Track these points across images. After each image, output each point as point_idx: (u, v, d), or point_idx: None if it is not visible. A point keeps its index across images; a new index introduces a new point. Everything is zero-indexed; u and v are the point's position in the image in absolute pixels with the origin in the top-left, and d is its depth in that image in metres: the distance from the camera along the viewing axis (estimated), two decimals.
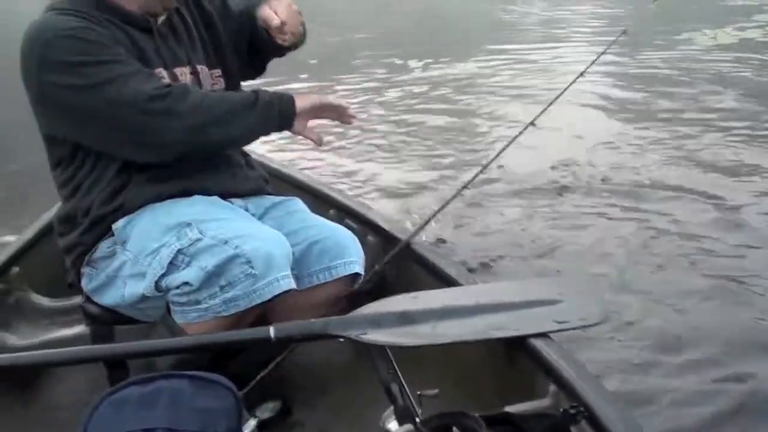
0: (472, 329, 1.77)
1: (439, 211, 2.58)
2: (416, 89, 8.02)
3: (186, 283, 1.86)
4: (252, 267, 1.83)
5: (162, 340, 1.85)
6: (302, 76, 8.57)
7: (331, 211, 2.73)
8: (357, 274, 2.17)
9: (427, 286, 2.15)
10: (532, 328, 1.78)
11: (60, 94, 1.93)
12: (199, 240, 1.88)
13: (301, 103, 2.07)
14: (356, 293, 2.17)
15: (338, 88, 8.49)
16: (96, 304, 2.12)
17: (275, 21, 2.10)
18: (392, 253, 2.32)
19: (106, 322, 2.14)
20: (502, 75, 8.31)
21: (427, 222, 2.49)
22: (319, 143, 2.17)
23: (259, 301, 1.85)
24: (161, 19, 2.16)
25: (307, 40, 2.29)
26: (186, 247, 1.89)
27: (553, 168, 4.93)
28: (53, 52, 1.91)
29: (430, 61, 9.52)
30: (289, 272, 1.89)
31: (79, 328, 2.38)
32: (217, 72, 2.26)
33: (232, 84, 2.31)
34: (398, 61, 9.65)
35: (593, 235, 3.88)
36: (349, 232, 2.23)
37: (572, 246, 3.74)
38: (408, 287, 2.16)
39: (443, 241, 3.73)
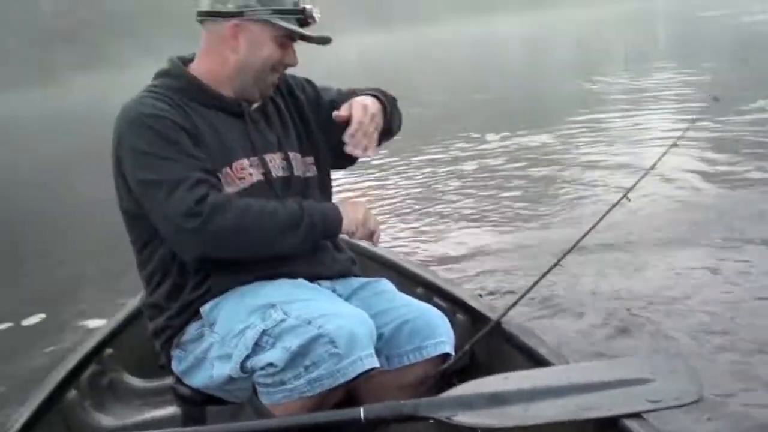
0: (564, 410, 1.74)
1: (530, 289, 2.56)
2: (502, 160, 8.06)
3: (271, 364, 1.88)
4: (335, 346, 1.83)
5: (252, 422, 1.87)
6: (382, 152, 8.65)
7: (419, 290, 2.73)
8: (447, 354, 2.15)
9: (517, 366, 2.13)
10: (625, 408, 1.73)
11: (127, 175, 2.08)
12: (283, 321, 1.90)
13: (348, 225, 2.14)
14: (445, 373, 2.14)
15: (419, 158, 8.60)
16: (186, 385, 2.15)
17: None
18: (482, 332, 2.31)
19: (197, 402, 2.17)
20: (591, 146, 8.23)
21: (517, 301, 2.47)
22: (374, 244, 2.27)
23: (343, 380, 1.84)
24: (255, 105, 2.24)
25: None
26: (271, 328, 1.91)
27: (649, 240, 4.81)
28: (130, 135, 2.05)
29: (516, 131, 9.54)
30: (372, 351, 1.89)
31: (171, 409, 2.42)
32: (310, 159, 2.31)
33: (324, 171, 2.36)
34: (480, 134, 9.73)
35: (690, 310, 3.72)
36: (439, 312, 2.21)
37: (667, 323, 3.60)
38: (498, 367, 2.15)
39: (534, 320, 3.67)
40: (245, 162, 2.15)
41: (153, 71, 2.23)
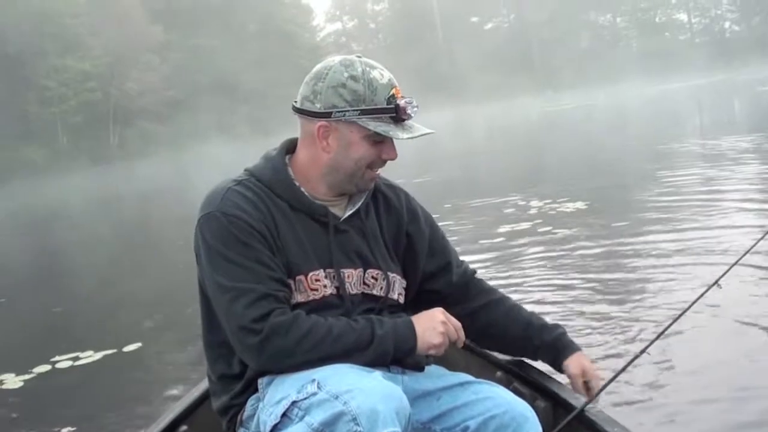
0: None
1: (616, 376, 2.47)
2: (591, 238, 7.92)
3: None
4: (358, 425, 1.77)
5: None
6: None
7: (499, 374, 2.66)
8: None
9: None
10: None
11: (200, 265, 2.13)
12: (315, 394, 1.87)
13: (422, 344, 2.11)
14: None
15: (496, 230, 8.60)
16: None
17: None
18: (565, 421, 2.23)
19: None
20: (681, 231, 7.98)
21: (603, 388, 2.39)
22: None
23: None
24: (347, 213, 2.23)
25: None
26: (301, 400, 1.88)
27: (744, 328, 4.62)
28: (207, 231, 2.09)
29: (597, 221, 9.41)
30: (397, 428, 1.81)
31: None
32: (397, 282, 2.29)
33: (406, 297, 2.34)
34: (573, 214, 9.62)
35: None
36: (527, 406, 2.13)
37: (757, 414, 3.46)
38: None
39: (621, 408, 3.55)
40: (320, 273, 2.14)
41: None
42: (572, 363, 2.42)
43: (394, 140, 2.16)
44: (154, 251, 12.67)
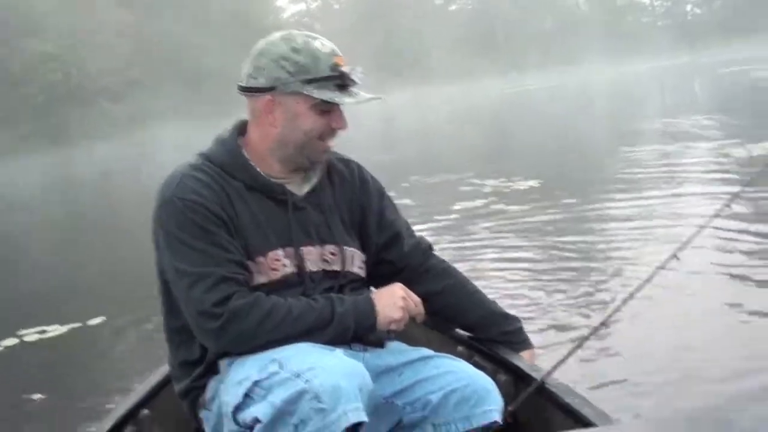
0: None
1: (575, 348, 2.50)
2: (541, 221, 7.97)
3: (257, 420, 1.84)
4: (320, 402, 1.78)
5: None
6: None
7: (460, 348, 2.67)
8: (495, 422, 2.10)
9: (560, 427, 2.09)
10: None
11: (158, 250, 2.12)
12: (276, 373, 1.87)
13: (383, 319, 2.12)
14: None
15: (456, 208, 8.68)
16: None
17: None
18: (525, 393, 2.26)
19: None
20: (639, 207, 8.07)
21: (562, 360, 2.42)
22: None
23: None
24: (305, 191, 2.23)
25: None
26: (263, 380, 1.88)
27: (700, 299, 4.73)
28: (164, 213, 2.09)
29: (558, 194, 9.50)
30: (359, 404, 1.82)
31: None
32: (355, 256, 2.30)
33: (365, 272, 2.35)
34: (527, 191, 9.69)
35: (734, 372, 3.62)
36: (488, 378, 2.16)
37: (713, 385, 3.52)
38: (541, 428, 2.11)
39: (579, 379, 3.59)
40: (280, 253, 2.14)
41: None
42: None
43: (342, 108, 2.16)
44: (115, 230, 12.69)
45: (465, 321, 2.53)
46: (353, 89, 2.14)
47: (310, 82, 2.09)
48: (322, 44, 2.13)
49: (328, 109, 2.13)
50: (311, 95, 2.10)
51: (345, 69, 2.11)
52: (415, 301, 2.18)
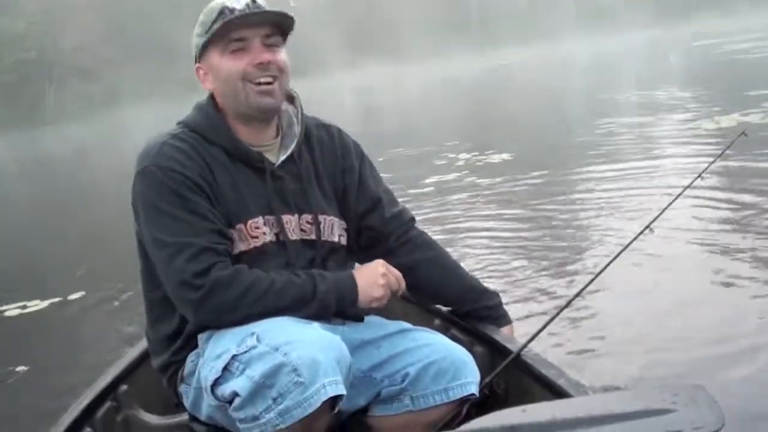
0: None
1: (550, 321, 2.51)
2: (515, 193, 8.02)
3: (236, 393, 1.84)
4: (299, 375, 1.78)
5: None
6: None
7: (437, 321, 2.69)
8: (473, 394, 2.12)
9: (537, 398, 2.10)
10: None
11: (138, 220, 2.11)
12: (254, 347, 1.86)
13: (364, 297, 2.12)
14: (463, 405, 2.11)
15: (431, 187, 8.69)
16: (201, 422, 2.13)
17: None
18: (501, 366, 2.27)
19: None
20: (614, 180, 8.10)
21: (538, 333, 2.43)
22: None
23: (311, 409, 1.78)
24: (281, 158, 2.22)
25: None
26: (242, 354, 1.87)
27: (674, 272, 4.73)
28: (143, 182, 2.07)
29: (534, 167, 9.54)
30: (338, 377, 1.82)
31: None
32: (336, 224, 2.30)
33: (347, 240, 2.35)
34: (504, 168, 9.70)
35: (709, 341, 3.65)
36: (465, 351, 2.17)
37: (691, 353, 3.55)
38: (517, 399, 2.11)
39: (555, 350, 3.62)
40: (260, 221, 2.13)
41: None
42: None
43: (259, 42, 2.12)
44: (92, 206, 12.68)
45: (444, 295, 2.54)
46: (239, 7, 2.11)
47: (205, 33, 2.13)
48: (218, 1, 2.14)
49: (239, 47, 2.11)
50: (208, 37, 2.11)
51: (228, 3, 2.10)
52: (396, 276, 2.18)
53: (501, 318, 2.54)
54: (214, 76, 2.15)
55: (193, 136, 2.14)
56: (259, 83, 2.12)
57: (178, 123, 2.20)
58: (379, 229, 2.39)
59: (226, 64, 2.12)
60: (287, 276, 2.05)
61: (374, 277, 2.14)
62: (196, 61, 2.18)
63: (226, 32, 2.09)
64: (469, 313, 2.53)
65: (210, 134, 2.15)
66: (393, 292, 2.19)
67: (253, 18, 2.09)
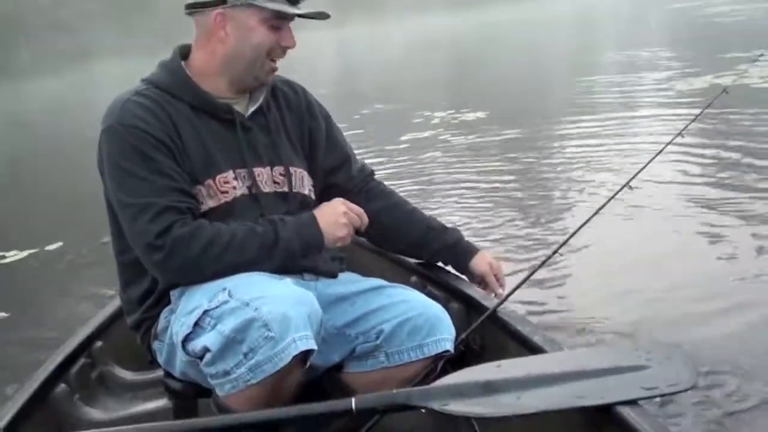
0: (557, 398, 1.71)
1: (527, 278, 2.53)
2: (490, 151, 8.02)
3: (206, 349, 1.84)
4: (269, 330, 1.78)
5: (240, 414, 1.81)
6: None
7: (413, 278, 2.69)
8: (448, 351, 2.12)
9: (512, 354, 2.11)
10: (619, 395, 1.71)
11: (104, 180, 2.09)
12: (226, 302, 1.86)
13: (329, 237, 2.10)
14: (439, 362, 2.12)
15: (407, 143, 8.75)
16: (175, 378, 2.12)
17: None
18: (477, 322, 2.28)
19: (188, 395, 2.14)
20: (594, 137, 8.06)
21: (514, 290, 2.45)
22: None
23: (282, 364, 1.78)
24: (251, 110, 2.20)
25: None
26: (213, 309, 1.87)
27: (653, 229, 4.74)
28: (107, 141, 2.05)
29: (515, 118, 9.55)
30: (309, 332, 1.82)
31: (162, 402, 2.39)
32: (306, 176, 2.30)
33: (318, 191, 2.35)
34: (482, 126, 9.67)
35: (686, 299, 3.67)
36: (440, 308, 2.17)
37: (664, 313, 3.55)
38: (493, 355, 2.13)
39: (531, 307, 3.63)
40: (230, 175, 2.11)
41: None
42: (478, 262, 2.52)
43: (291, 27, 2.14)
44: (68, 159, 12.51)
45: (407, 239, 2.55)
46: (301, 5, 2.13)
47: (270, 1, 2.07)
48: None
49: (278, 25, 2.11)
50: (265, 6, 2.06)
51: None
52: (357, 212, 2.17)
53: (468, 250, 2.55)
54: (239, 36, 2.09)
55: (157, 92, 2.10)
56: (273, 61, 2.15)
57: (143, 80, 2.16)
58: (344, 186, 2.42)
59: (261, 32, 2.09)
60: (249, 226, 2.03)
61: (336, 215, 2.13)
62: (212, 4, 2.09)
63: (284, 13, 2.09)
64: (437, 253, 2.56)
65: (175, 90, 2.11)
66: (355, 229, 2.18)
67: (313, 15, 2.12)
